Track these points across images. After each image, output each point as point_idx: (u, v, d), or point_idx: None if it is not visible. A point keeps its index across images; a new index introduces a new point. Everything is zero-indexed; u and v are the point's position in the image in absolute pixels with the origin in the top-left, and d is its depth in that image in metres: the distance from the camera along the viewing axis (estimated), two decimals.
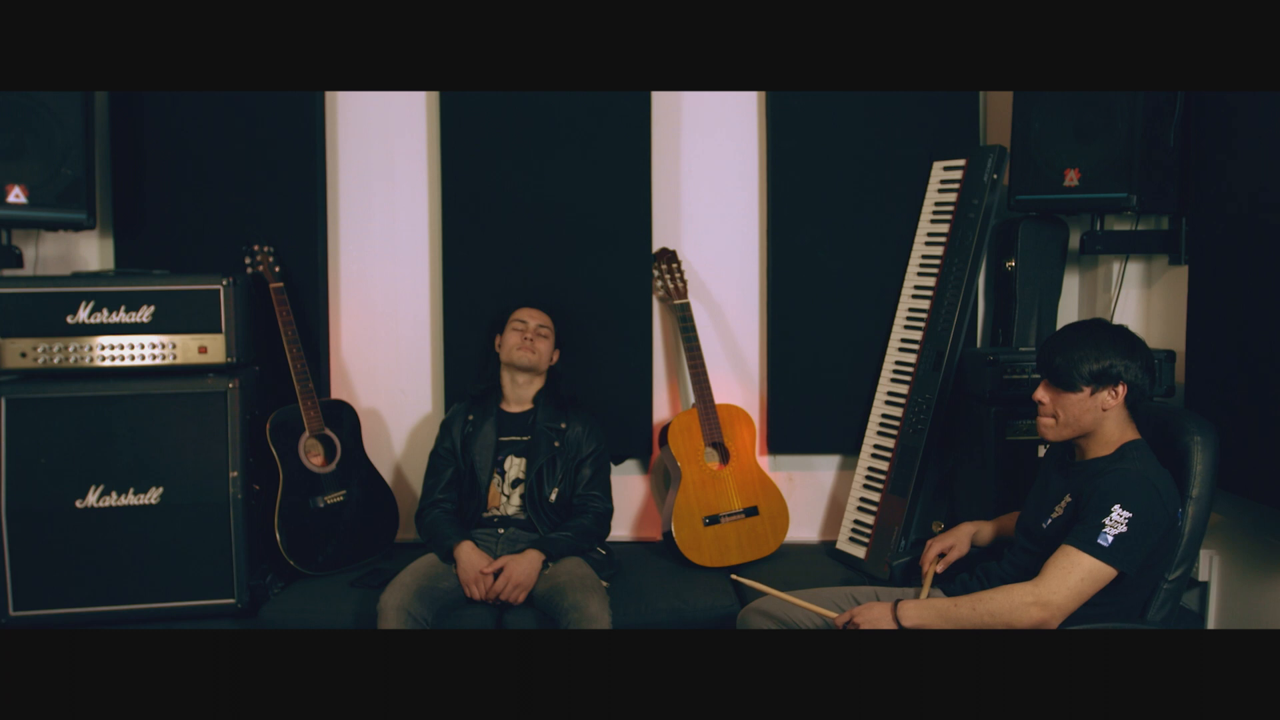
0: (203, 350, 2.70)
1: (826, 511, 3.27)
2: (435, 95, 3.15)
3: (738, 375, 3.24)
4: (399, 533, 3.05)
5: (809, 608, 2.18)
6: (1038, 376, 2.11)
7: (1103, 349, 2.00)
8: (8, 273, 2.85)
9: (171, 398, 2.66)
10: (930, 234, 3.04)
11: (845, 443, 3.17)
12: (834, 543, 3.07)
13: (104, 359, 2.66)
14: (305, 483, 2.85)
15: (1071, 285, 3.10)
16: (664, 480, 3.20)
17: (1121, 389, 2.00)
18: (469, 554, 2.57)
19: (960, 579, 2.23)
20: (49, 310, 2.63)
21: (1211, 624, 2.58)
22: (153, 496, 2.65)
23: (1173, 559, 2.02)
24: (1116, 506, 1.88)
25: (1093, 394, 2.00)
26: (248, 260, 2.90)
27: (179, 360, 2.69)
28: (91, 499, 2.62)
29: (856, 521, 3.00)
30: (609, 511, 2.83)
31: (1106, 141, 2.68)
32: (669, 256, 3.09)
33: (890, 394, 3.02)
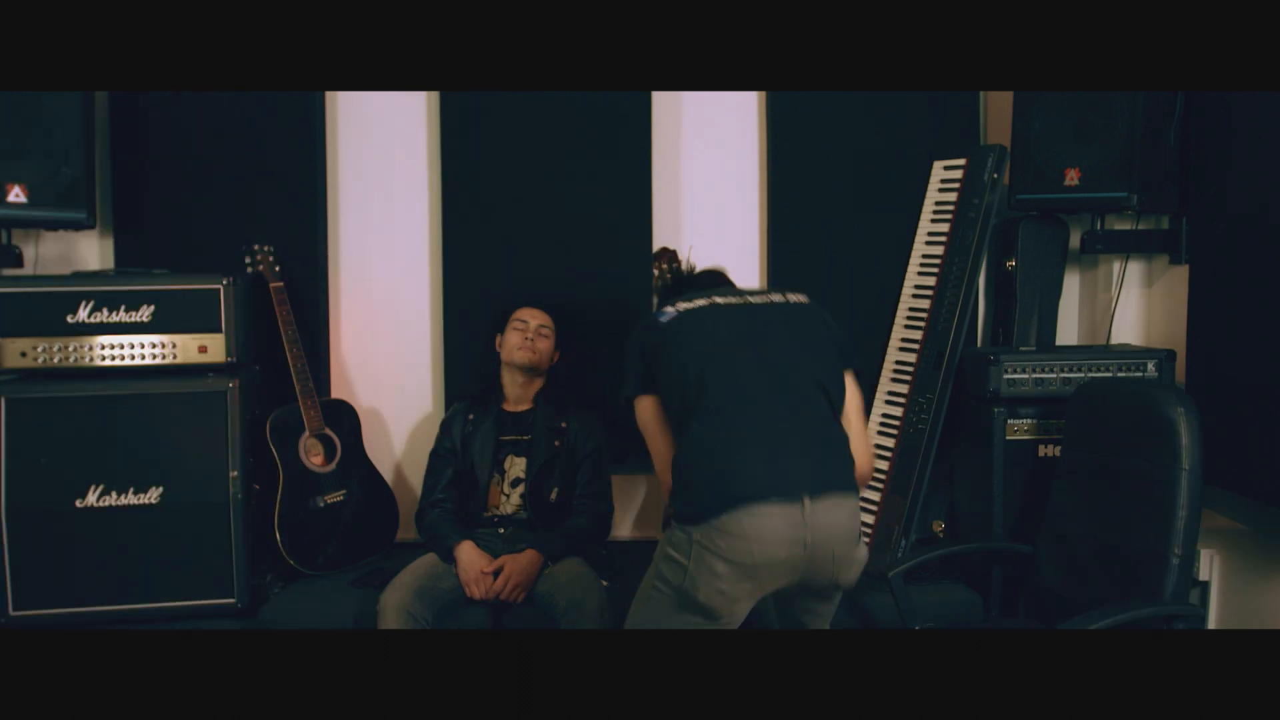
0: (203, 350, 2.70)
1: None
2: (435, 95, 3.15)
3: None
4: (399, 532, 3.05)
5: None
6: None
7: None
8: (8, 272, 2.85)
9: (171, 397, 2.66)
10: (931, 233, 3.04)
11: None
12: None
13: (104, 359, 2.66)
14: (305, 482, 2.85)
15: (1072, 285, 3.10)
16: None
17: None
18: (469, 554, 2.57)
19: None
20: (49, 310, 2.63)
21: (1212, 624, 2.57)
22: (153, 496, 2.65)
23: None
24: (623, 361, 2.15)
25: None
26: (248, 260, 2.90)
27: (179, 360, 2.69)
28: (91, 499, 2.62)
29: None
30: (609, 511, 2.83)
31: (1106, 141, 2.68)
32: (669, 256, 3.09)
33: (891, 393, 3.02)
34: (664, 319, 2.02)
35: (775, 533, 1.75)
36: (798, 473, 1.78)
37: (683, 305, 2.03)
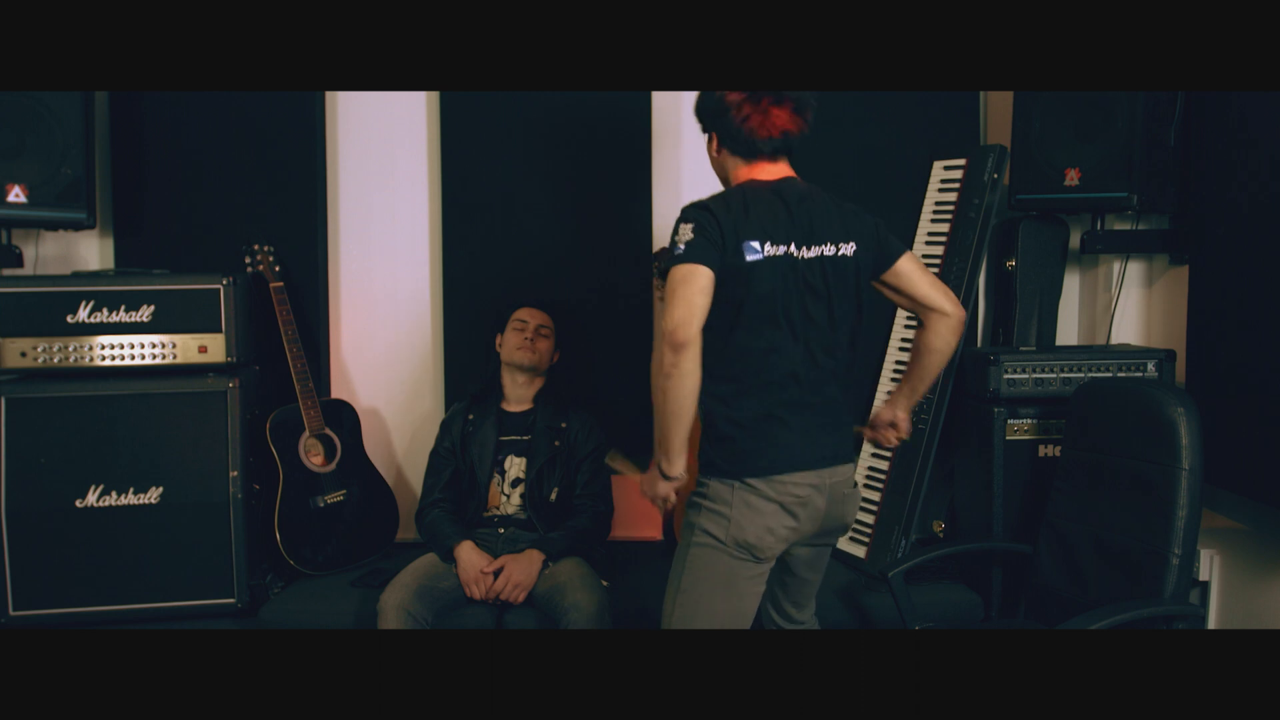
0: (203, 350, 2.70)
1: None
2: (435, 95, 3.15)
3: None
4: (399, 532, 3.05)
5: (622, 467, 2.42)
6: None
7: None
8: (8, 272, 2.85)
9: (171, 397, 2.67)
10: (931, 233, 3.04)
11: None
12: None
13: (104, 359, 2.66)
14: (305, 482, 2.85)
15: (1072, 285, 3.10)
16: None
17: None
18: (469, 553, 2.57)
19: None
20: (49, 310, 2.64)
21: (1212, 624, 2.58)
22: (153, 496, 2.65)
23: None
24: (686, 222, 1.97)
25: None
26: (248, 260, 2.90)
27: (179, 360, 2.69)
28: (91, 499, 2.62)
29: (857, 521, 2.99)
30: (608, 511, 2.83)
31: (1106, 141, 2.68)
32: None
33: (891, 393, 3.01)
34: (750, 256, 1.94)
35: (807, 483, 1.98)
36: (826, 449, 2.02)
37: (769, 249, 1.95)
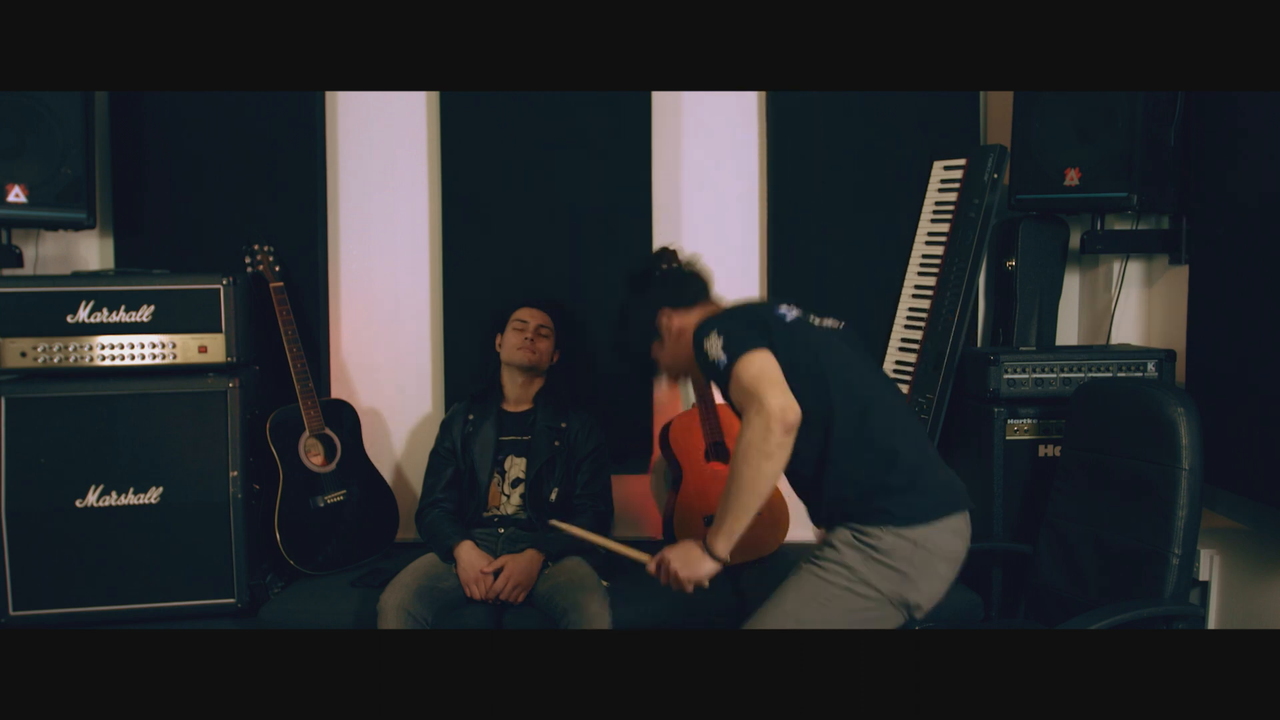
0: (203, 350, 2.70)
1: None
2: (435, 95, 3.15)
3: None
4: (399, 532, 3.05)
5: (620, 550, 2.18)
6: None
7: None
8: (8, 272, 2.85)
9: (171, 397, 2.66)
10: (931, 233, 3.04)
11: None
12: None
13: (104, 358, 2.66)
14: (305, 482, 2.85)
15: (1072, 285, 3.10)
16: (664, 480, 3.20)
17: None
18: (469, 554, 2.57)
19: None
20: (49, 310, 2.64)
21: (1211, 624, 2.58)
22: (153, 496, 2.65)
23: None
24: (710, 334, 1.93)
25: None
26: (248, 260, 2.90)
27: (179, 360, 2.69)
28: (91, 499, 2.62)
29: None
30: (608, 511, 2.83)
31: (1107, 141, 2.69)
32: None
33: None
34: (787, 316, 2.02)
35: (965, 530, 1.97)
36: (961, 485, 2.01)
37: (792, 311, 2.05)
